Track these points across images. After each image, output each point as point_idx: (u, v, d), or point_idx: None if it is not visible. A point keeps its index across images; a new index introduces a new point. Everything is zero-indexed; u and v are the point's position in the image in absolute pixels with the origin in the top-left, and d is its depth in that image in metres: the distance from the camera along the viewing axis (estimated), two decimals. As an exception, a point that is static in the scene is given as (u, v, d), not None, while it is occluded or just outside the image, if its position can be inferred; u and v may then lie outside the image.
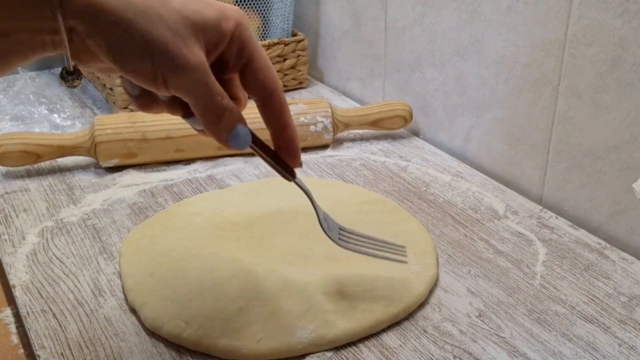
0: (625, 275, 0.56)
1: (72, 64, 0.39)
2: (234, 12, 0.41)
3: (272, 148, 0.45)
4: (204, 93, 0.40)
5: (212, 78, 0.40)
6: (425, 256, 0.57)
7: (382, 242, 0.52)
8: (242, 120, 0.42)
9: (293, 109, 0.77)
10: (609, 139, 0.61)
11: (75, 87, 0.40)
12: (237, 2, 0.92)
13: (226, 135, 0.41)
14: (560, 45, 0.63)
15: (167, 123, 0.74)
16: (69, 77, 0.40)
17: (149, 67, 0.38)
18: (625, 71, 0.57)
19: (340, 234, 0.51)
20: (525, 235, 0.61)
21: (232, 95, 0.44)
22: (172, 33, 0.38)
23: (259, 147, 0.44)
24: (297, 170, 0.47)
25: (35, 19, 0.35)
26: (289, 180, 0.47)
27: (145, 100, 0.42)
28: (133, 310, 0.52)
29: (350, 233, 0.52)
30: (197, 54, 0.39)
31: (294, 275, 0.53)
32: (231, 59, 0.42)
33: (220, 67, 0.42)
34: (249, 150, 0.44)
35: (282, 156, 0.46)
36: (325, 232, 0.49)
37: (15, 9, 0.35)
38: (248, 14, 0.94)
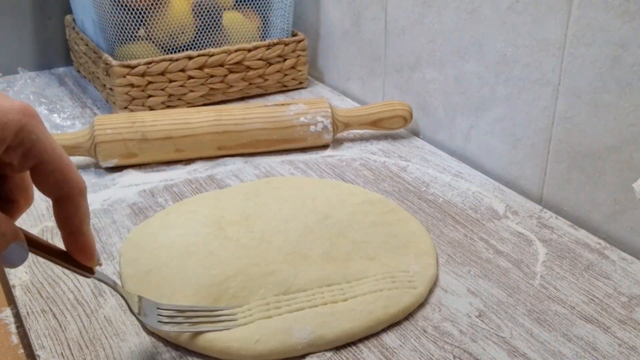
0: (625, 275, 0.56)
1: None
2: (17, 115, 0.35)
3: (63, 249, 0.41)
4: None
5: None
6: (425, 256, 0.57)
7: (207, 310, 0.49)
8: (17, 238, 0.37)
9: (293, 109, 0.77)
10: (609, 139, 0.61)
11: None
12: (237, 2, 0.92)
13: None
14: (560, 45, 0.63)
15: (167, 123, 0.74)
16: None
17: None
18: (625, 71, 0.57)
19: (159, 314, 0.47)
20: (525, 235, 0.61)
21: (8, 196, 0.39)
22: None
23: (43, 251, 0.40)
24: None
25: None
26: (88, 277, 0.43)
27: None
28: (133, 310, 0.52)
29: (170, 310, 0.48)
30: None
31: (294, 275, 0.53)
32: (14, 162, 0.37)
33: (2, 166, 0.37)
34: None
35: (75, 258, 0.41)
36: (137, 317, 0.46)
37: None
38: (248, 14, 0.94)
